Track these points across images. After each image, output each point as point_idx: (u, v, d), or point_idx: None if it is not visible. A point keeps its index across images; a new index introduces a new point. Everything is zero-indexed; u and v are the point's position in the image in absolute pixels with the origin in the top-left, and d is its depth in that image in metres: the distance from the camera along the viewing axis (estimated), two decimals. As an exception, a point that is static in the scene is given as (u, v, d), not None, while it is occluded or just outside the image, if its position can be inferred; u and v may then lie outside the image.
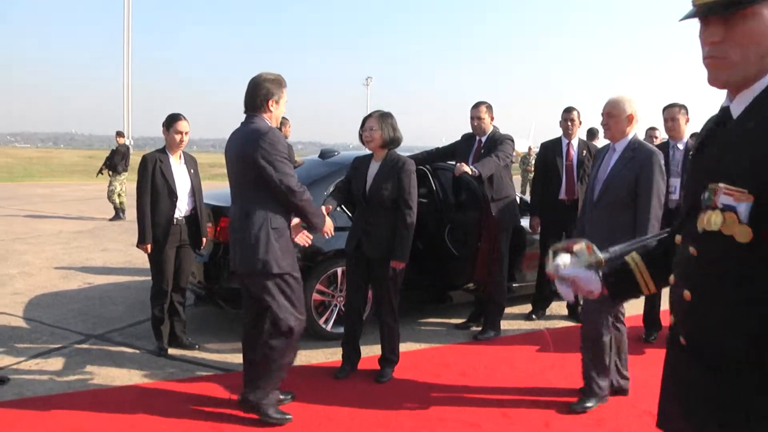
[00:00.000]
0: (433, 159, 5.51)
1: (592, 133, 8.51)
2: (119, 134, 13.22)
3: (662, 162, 3.50)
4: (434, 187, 5.55)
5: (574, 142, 5.60)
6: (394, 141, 4.03)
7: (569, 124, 5.56)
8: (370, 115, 4.04)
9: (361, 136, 4.08)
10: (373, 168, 4.05)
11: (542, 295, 5.74)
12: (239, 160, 3.19)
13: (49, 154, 44.93)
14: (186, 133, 4.54)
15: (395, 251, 3.93)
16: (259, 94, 3.23)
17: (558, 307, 6.06)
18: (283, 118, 7.07)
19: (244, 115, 3.32)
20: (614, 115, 3.54)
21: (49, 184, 22.69)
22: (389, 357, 4.18)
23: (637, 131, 3.61)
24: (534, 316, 5.69)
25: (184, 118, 4.55)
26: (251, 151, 3.11)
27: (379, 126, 3.97)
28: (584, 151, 5.55)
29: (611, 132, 3.57)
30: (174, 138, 4.49)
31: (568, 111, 5.60)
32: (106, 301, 6.05)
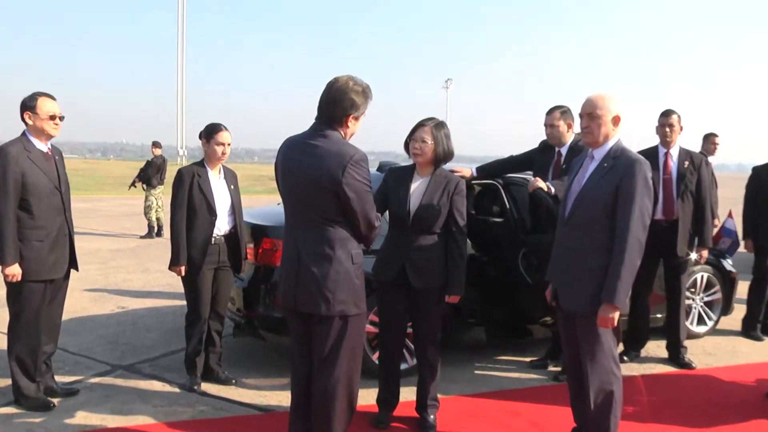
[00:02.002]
0: (506, 169, 5.43)
1: (708, 140, 8.09)
2: (155, 144, 13.71)
3: (649, 173, 3.28)
4: (507, 205, 5.46)
5: (674, 152, 5.39)
6: (447, 156, 3.95)
7: (667, 130, 5.36)
8: (422, 124, 3.93)
9: (407, 145, 3.99)
10: (419, 185, 3.95)
11: (636, 332, 5.52)
12: (315, 184, 3.01)
13: (96, 166, 47.16)
14: (228, 145, 4.60)
15: (452, 284, 3.89)
16: (341, 105, 3.07)
17: (656, 348, 5.81)
18: None
19: (313, 124, 3.16)
20: (597, 117, 3.36)
21: (92, 197, 23.68)
22: (432, 403, 4.10)
23: (620, 136, 3.44)
24: (626, 358, 5.46)
25: (226, 129, 4.62)
26: (336, 177, 2.97)
27: (433, 138, 3.87)
28: (686, 162, 5.32)
29: (594, 136, 3.40)
30: (215, 150, 4.56)
31: (665, 115, 5.40)
32: (139, 327, 6.23)
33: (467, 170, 5.10)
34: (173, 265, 4.53)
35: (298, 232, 3.14)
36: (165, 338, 5.87)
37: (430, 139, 3.87)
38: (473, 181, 5.42)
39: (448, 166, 5.33)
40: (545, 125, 5.09)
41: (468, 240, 5.86)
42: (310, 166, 3.03)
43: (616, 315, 3.20)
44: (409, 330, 4.18)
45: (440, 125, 3.94)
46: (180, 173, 4.54)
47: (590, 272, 3.28)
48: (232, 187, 4.72)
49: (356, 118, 3.14)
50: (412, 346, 4.42)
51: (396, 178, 4.02)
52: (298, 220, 3.15)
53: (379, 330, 4.22)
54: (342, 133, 3.13)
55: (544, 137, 5.19)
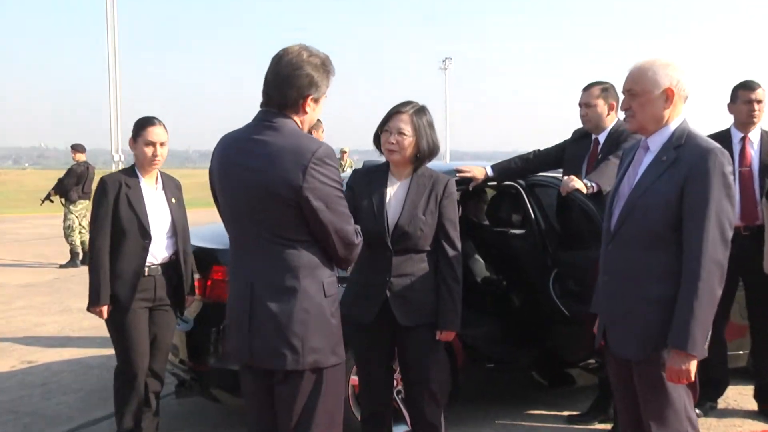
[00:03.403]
0: (530, 168, 5.32)
1: None
2: (76, 148, 13.59)
3: (728, 166, 3.06)
4: (532, 213, 5.37)
5: (754, 136, 5.23)
6: (432, 151, 3.87)
7: (755, 108, 5.17)
8: (398, 111, 3.83)
9: (377, 138, 3.90)
10: (397, 190, 3.89)
11: (711, 375, 5.30)
12: (266, 193, 2.89)
13: (6, 177, 47.14)
14: (162, 144, 4.49)
15: (444, 316, 3.81)
16: (295, 83, 2.93)
17: (739, 396, 5.64)
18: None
19: (259, 112, 3.05)
20: (639, 93, 3.16)
21: (-2, 218, 23.52)
22: None
23: (685, 117, 3.21)
24: (698, 411, 5.23)
25: (159, 123, 4.53)
26: (295, 182, 2.83)
27: (413, 128, 3.77)
28: (772, 150, 5.17)
29: (637, 121, 3.21)
30: (144, 152, 4.44)
31: (747, 87, 5.22)
32: (51, 388, 6.00)
33: (479, 169, 5.03)
34: (92, 304, 4.37)
35: (249, 259, 3.00)
36: (86, 402, 5.65)
37: (409, 130, 3.77)
38: (489, 184, 5.37)
39: (453, 164, 5.22)
40: (580, 104, 4.99)
41: (482, 260, 5.77)
42: (259, 169, 2.89)
43: (693, 366, 2.98)
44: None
45: (421, 111, 3.86)
46: (102, 183, 4.42)
47: (651, 305, 3.09)
48: (173, 200, 4.61)
49: (316, 101, 3.02)
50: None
51: (365, 182, 3.94)
52: (248, 244, 3.01)
53: (359, 385, 4.15)
54: (298, 121, 3.00)
55: (579, 125, 5.10)
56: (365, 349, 3.95)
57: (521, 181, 5.40)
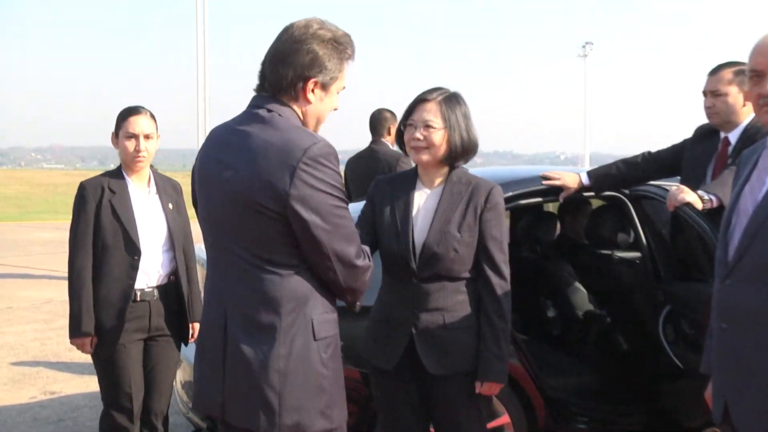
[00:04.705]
0: (637, 175, 4.93)
1: None
2: None
3: None
4: (641, 232, 4.99)
5: None
6: (468, 149, 3.58)
7: None
8: (424, 99, 3.58)
9: (400, 135, 3.66)
10: (426, 201, 3.62)
11: None
12: (241, 197, 2.72)
13: (83, 178, 49.20)
14: (147, 137, 4.36)
15: (485, 363, 3.49)
16: (294, 61, 2.76)
17: None
18: (387, 111, 6.73)
19: (251, 99, 2.92)
20: None
21: (66, 224, 24.35)
22: None
23: None
24: None
25: (144, 112, 4.41)
26: (280, 187, 2.63)
27: (444, 120, 3.49)
28: None
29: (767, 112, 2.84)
30: (125, 147, 4.33)
31: None
32: (65, 427, 6.01)
33: (572, 176, 4.75)
34: (74, 335, 4.27)
35: (224, 283, 2.81)
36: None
37: (438, 122, 3.50)
38: (585, 194, 5.05)
39: (539, 168, 4.89)
40: (704, 93, 4.60)
41: (583, 289, 5.40)
42: (236, 169, 2.71)
43: None
44: None
45: (453, 99, 3.59)
46: (81, 189, 4.34)
47: None
48: (170, 206, 4.49)
49: (323, 87, 2.82)
50: None
51: (388, 193, 3.69)
52: (222, 263, 2.83)
53: None
54: (298, 111, 2.79)
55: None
56: (389, 400, 3.70)
57: (626, 192, 5.03)
